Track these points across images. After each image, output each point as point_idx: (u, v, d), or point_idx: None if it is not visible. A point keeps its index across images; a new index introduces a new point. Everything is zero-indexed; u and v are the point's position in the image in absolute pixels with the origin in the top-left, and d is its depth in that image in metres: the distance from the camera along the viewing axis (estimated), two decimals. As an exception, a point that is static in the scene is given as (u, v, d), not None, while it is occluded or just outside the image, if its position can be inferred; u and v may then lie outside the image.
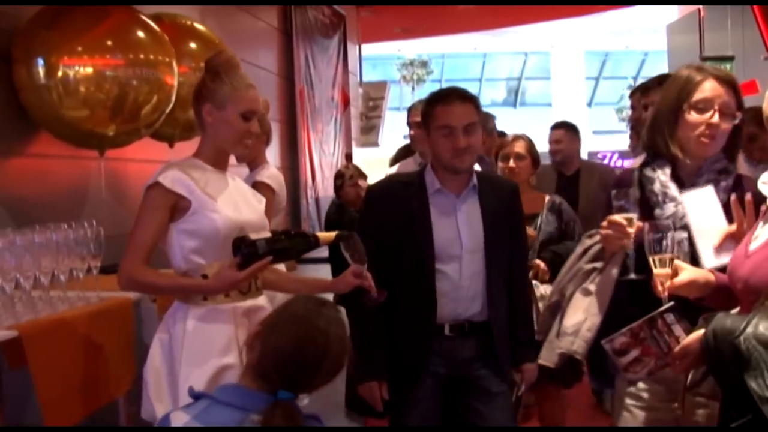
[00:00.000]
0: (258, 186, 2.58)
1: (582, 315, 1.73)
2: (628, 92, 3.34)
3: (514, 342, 2.10)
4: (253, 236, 1.70)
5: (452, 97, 2.04)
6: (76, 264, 2.01)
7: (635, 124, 3.24)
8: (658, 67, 12.46)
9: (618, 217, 1.66)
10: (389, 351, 2.05)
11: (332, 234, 1.91)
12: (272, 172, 2.80)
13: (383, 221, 2.06)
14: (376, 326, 2.04)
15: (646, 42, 16.87)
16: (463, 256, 2.04)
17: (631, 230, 1.64)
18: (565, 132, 3.98)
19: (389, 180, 2.36)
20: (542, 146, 4.99)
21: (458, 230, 2.05)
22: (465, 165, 2.04)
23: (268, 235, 1.73)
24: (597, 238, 1.76)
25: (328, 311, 1.39)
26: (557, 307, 1.83)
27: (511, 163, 2.90)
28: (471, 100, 2.05)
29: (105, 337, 2.07)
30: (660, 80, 2.70)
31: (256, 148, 2.78)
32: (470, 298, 2.04)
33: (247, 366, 1.39)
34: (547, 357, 1.85)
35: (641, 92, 2.80)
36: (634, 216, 1.65)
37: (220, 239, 1.74)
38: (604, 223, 1.68)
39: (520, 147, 2.94)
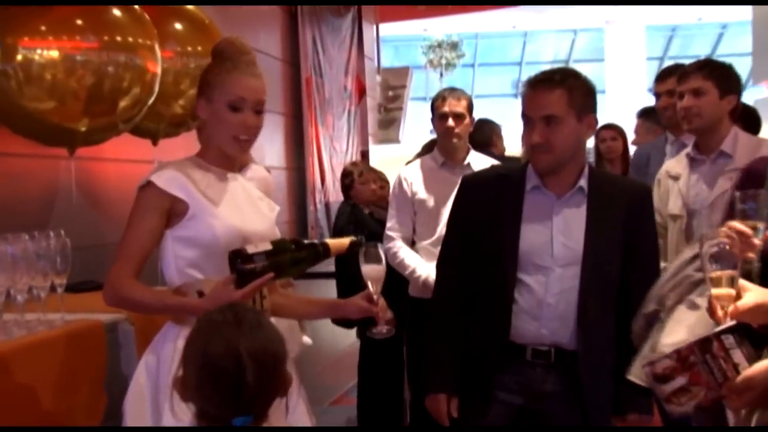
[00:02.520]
0: None
1: (684, 333, 1.66)
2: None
3: (618, 382, 1.94)
4: (251, 249, 1.69)
5: (537, 82, 2.01)
6: (36, 281, 2.00)
7: (667, 116, 3.26)
8: (740, 42, 12.09)
9: (742, 226, 1.63)
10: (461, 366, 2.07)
11: (345, 241, 1.87)
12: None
13: (471, 214, 2.10)
14: (454, 333, 2.06)
15: (724, 12, 16.62)
16: (552, 268, 2.01)
17: (758, 241, 1.61)
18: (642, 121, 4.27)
19: (490, 170, 2.44)
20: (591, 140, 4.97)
21: (551, 237, 2.02)
22: (543, 165, 2.01)
23: (268, 246, 1.71)
24: (714, 241, 1.72)
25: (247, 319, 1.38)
26: (655, 318, 1.78)
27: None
28: (562, 85, 1.98)
29: (70, 366, 2.06)
30: (703, 65, 2.73)
31: None
32: (557, 319, 2.00)
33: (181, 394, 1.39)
34: (638, 374, 1.80)
35: (679, 77, 2.84)
36: (761, 225, 1.63)
37: (221, 250, 1.73)
38: (725, 229, 1.64)
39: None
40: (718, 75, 2.73)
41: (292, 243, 1.76)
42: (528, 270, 2.00)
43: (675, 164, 2.90)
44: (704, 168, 2.76)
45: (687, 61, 3.56)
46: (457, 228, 2.14)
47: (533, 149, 2.00)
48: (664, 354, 1.43)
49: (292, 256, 1.73)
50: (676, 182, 2.82)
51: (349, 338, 4.68)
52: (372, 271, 1.80)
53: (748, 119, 3.47)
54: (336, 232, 4.22)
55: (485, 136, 4.23)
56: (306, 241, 1.83)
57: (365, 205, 4.27)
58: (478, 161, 3.37)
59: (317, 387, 4.74)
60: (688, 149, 2.86)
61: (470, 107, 3.33)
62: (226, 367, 1.31)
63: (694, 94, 2.73)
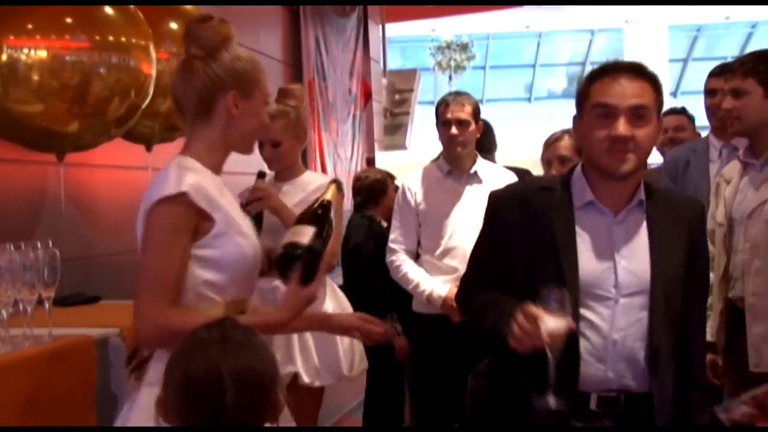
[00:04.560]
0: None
1: None
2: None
3: (686, 421, 1.85)
4: (300, 239, 1.70)
5: (620, 69, 1.84)
6: (23, 294, 1.99)
7: (718, 115, 3.19)
8: None
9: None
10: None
11: (329, 187, 1.96)
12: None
13: (511, 239, 1.86)
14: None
15: (753, 10, 16.58)
16: (616, 298, 1.82)
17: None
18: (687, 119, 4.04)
19: (523, 184, 2.20)
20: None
21: (614, 262, 1.83)
22: (626, 167, 1.79)
23: (311, 229, 1.74)
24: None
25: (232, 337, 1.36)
26: None
27: (554, 168, 2.82)
28: (648, 77, 1.84)
29: (58, 384, 2.04)
30: (744, 61, 2.62)
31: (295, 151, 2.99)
32: (624, 359, 1.82)
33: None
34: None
35: (729, 73, 2.72)
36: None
37: (247, 271, 1.70)
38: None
39: (564, 147, 2.85)
40: (762, 71, 2.56)
41: (310, 214, 1.79)
42: (588, 303, 1.80)
43: (729, 168, 2.76)
44: (754, 173, 2.61)
45: (713, 64, 3.54)
46: (492, 258, 1.89)
47: (613, 144, 1.77)
48: (740, 399, 1.40)
49: (323, 223, 1.77)
50: (727, 187, 2.69)
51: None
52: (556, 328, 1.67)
53: None
54: (350, 247, 4.15)
55: (490, 141, 4.10)
56: (314, 206, 1.86)
57: (383, 217, 4.20)
58: (487, 170, 3.35)
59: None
60: (740, 152, 2.72)
61: (476, 113, 3.29)
62: (205, 388, 1.29)
63: (734, 95, 2.60)
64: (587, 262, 1.82)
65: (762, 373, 2.40)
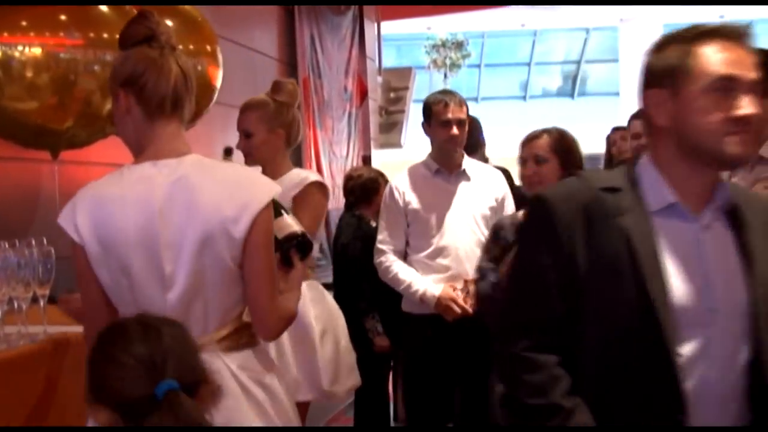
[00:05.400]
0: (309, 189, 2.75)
1: None
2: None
3: None
4: (293, 229, 1.91)
5: (732, 34, 1.47)
6: (18, 292, 1.99)
7: None
8: (766, 41, 12.16)
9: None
10: None
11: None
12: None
13: (576, 255, 1.46)
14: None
15: (748, 9, 16.65)
16: (714, 321, 1.45)
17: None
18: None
19: (578, 183, 1.56)
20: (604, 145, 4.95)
21: (706, 277, 1.46)
22: (747, 151, 1.45)
23: (289, 217, 1.95)
24: None
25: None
26: None
27: (529, 167, 2.71)
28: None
29: (53, 382, 2.04)
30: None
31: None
32: (725, 395, 1.46)
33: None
34: None
35: None
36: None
37: None
38: None
39: (541, 147, 2.73)
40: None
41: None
42: (680, 332, 1.42)
43: None
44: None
45: None
46: (551, 280, 1.47)
47: (737, 126, 1.42)
48: None
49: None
50: None
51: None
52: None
53: None
54: (339, 247, 4.15)
55: (474, 137, 3.93)
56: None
57: (374, 217, 4.20)
58: (474, 167, 3.32)
59: (313, 405, 4.71)
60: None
61: (468, 112, 3.28)
62: (137, 341, 1.31)
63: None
64: (676, 281, 1.45)
65: None
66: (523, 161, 2.76)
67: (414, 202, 3.25)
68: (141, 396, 1.26)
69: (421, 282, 3.19)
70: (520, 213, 2.93)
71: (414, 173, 3.33)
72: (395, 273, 3.24)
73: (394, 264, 3.25)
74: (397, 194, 3.29)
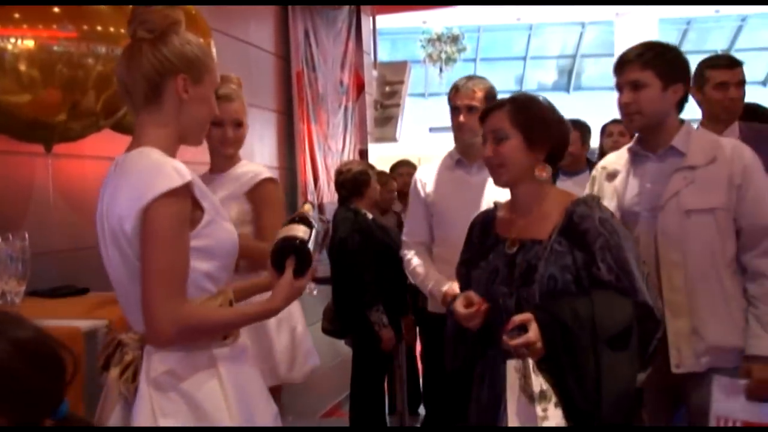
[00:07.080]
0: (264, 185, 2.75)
1: None
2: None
3: None
4: (294, 233, 1.73)
5: None
6: (10, 286, 1.99)
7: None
8: (761, 36, 12.04)
9: None
10: None
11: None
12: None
13: None
14: None
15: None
16: None
17: None
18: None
19: None
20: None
21: None
22: None
23: (302, 227, 1.76)
24: None
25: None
26: None
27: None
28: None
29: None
30: (641, 53, 2.44)
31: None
32: None
33: None
34: None
35: (626, 64, 2.51)
36: None
37: (234, 258, 1.72)
38: None
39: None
40: (659, 63, 2.41)
41: (293, 219, 1.79)
42: None
43: (615, 159, 2.60)
44: (651, 164, 2.48)
45: (703, 56, 3.47)
46: None
47: None
48: None
49: (310, 224, 1.78)
50: (611, 181, 2.54)
51: (340, 347, 4.66)
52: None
53: (754, 117, 3.40)
54: (336, 241, 4.13)
55: None
56: (294, 216, 1.85)
57: (368, 209, 4.18)
58: None
59: (307, 399, 4.72)
60: (631, 143, 2.55)
61: (488, 98, 3.06)
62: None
63: (633, 87, 2.43)
64: None
65: (684, 374, 2.34)
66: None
67: (432, 194, 3.18)
68: None
69: (432, 277, 3.11)
70: None
71: (439, 164, 3.24)
72: (414, 266, 3.18)
73: (413, 258, 3.19)
74: (419, 185, 3.22)
